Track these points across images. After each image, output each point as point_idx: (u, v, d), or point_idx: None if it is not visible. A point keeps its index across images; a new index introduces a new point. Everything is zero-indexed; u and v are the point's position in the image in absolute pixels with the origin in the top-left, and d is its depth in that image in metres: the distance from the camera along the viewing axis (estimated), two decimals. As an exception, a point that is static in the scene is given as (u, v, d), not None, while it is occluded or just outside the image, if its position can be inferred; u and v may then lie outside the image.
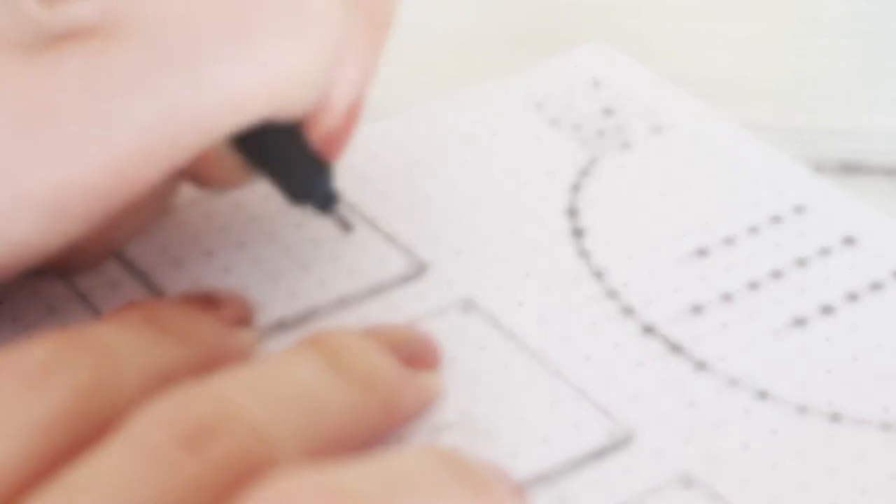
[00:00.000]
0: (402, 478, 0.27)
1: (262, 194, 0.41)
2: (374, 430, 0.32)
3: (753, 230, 0.40)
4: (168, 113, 0.31)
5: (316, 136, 0.36)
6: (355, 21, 0.35)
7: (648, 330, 0.37)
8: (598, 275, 0.39)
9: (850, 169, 0.45)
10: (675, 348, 0.36)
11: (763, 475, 0.33)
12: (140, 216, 0.37)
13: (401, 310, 0.37)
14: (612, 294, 0.38)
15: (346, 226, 0.38)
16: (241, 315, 0.35)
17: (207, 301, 0.35)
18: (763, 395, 0.35)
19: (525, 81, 0.46)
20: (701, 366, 0.36)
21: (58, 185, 0.31)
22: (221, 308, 0.35)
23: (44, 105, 0.30)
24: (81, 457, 0.28)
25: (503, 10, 0.53)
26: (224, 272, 0.38)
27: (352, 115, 0.37)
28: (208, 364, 0.32)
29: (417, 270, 0.39)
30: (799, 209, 0.41)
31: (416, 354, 0.34)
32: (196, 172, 0.36)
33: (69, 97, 0.30)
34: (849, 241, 0.40)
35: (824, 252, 0.39)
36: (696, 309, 0.38)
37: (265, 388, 0.29)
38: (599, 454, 0.34)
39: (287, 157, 0.36)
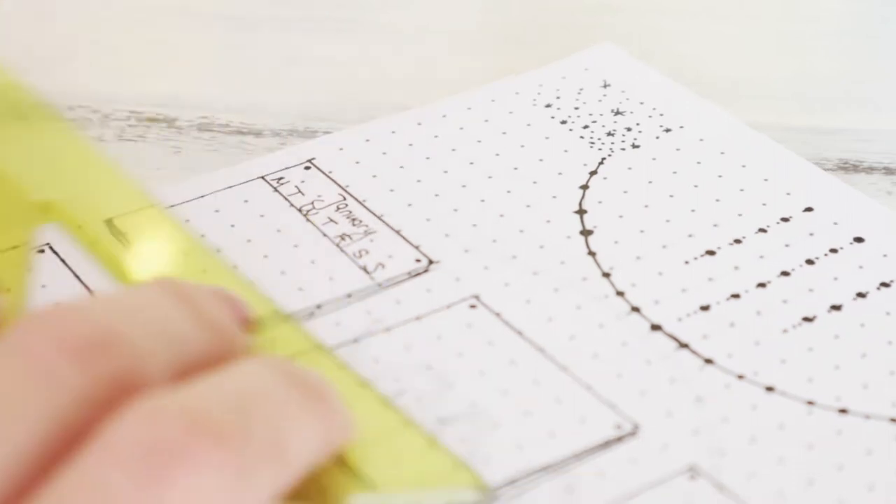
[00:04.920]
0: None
1: (268, 190, 0.41)
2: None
3: (762, 230, 0.40)
4: None
5: None
6: None
7: (656, 328, 0.37)
8: (606, 274, 0.39)
9: (849, 169, 0.45)
10: (683, 346, 0.36)
11: (770, 469, 0.33)
12: None
13: (408, 305, 0.37)
14: (619, 293, 0.38)
15: None
16: (248, 320, 0.35)
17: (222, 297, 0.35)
18: (770, 390, 0.35)
19: (535, 82, 0.46)
20: (708, 362, 0.36)
21: None
22: (235, 307, 0.34)
23: None
24: None
25: (514, 11, 0.53)
26: (232, 269, 0.38)
27: None
28: (218, 353, 0.32)
29: (425, 267, 0.39)
30: (808, 209, 0.41)
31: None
32: None
33: None
34: (858, 240, 0.40)
35: (833, 251, 0.39)
36: (704, 308, 0.38)
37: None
38: (606, 447, 0.34)
39: None
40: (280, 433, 0.27)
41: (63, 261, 0.39)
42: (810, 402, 0.35)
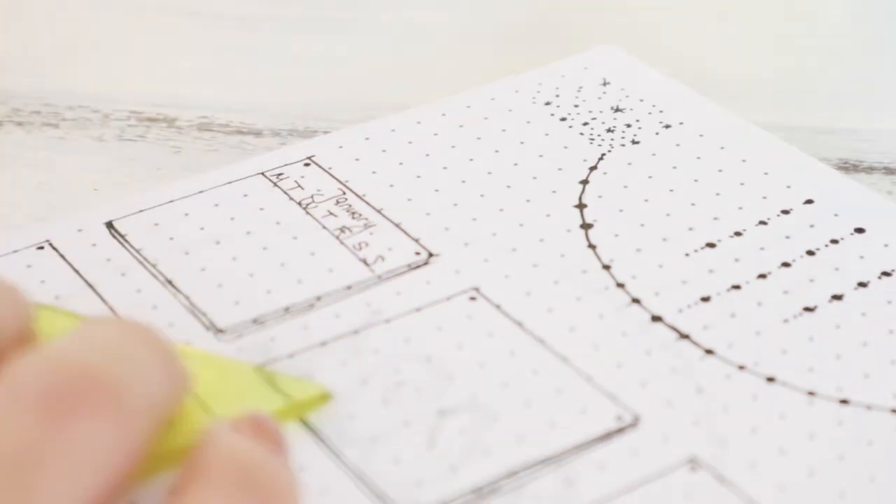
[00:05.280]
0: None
1: (268, 185, 0.41)
2: None
3: (763, 223, 0.40)
4: None
5: None
6: None
7: (656, 319, 0.37)
8: (607, 266, 0.39)
9: (849, 168, 0.44)
10: (683, 336, 0.36)
11: (771, 459, 0.33)
12: None
13: (408, 297, 0.37)
14: (620, 285, 0.38)
15: None
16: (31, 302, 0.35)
17: None
18: (771, 380, 0.35)
19: (535, 80, 0.46)
20: (709, 353, 0.36)
21: None
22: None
23: None
24: None
25: (514, 11, 0.53)
26: (232, 260, 0.38)
27: None
28: (26, 332, 0.32)
29: (425, 259, 0.39)
30: (809, 202, 0.41)
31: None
32: None
33: None
34: (859, 231, 0.40)
35: (834, 242, 0.39)
36: (705, 299, 0.37)
37: None
38: (606, 438, 0.33)
39: None
40: (149, 385, 0.29)
41: (62, 256, 0.38)
42: (811, 393, 0.35)
